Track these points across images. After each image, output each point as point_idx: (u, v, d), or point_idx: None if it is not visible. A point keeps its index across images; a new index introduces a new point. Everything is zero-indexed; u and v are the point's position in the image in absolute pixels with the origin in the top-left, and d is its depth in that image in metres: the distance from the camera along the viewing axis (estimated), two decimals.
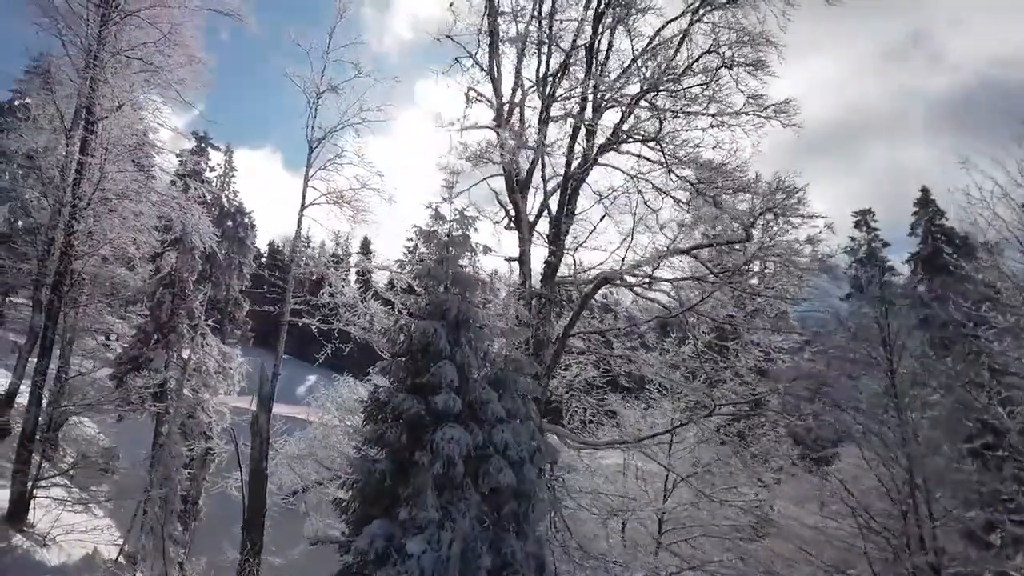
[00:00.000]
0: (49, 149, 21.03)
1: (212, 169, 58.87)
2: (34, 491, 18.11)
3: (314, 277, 24.42)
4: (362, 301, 23.70)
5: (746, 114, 14.74)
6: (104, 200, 19.88)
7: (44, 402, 19.04)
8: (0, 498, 17.96)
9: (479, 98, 18.70)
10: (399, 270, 17.73)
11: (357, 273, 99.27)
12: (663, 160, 14.04)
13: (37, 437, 18.46)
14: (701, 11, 16.15)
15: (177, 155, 29.73)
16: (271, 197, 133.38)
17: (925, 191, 63.72)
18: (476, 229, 12.82)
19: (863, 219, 68.92)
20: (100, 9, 20.42)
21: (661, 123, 14.41)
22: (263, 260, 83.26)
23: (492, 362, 12.35)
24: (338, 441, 26.70)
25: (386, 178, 24.79)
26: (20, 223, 31.85)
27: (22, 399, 20.65)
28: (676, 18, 16.62)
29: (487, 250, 13.08)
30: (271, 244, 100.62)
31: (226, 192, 70.58)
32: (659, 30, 16.81)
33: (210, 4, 22.54)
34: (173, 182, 26.76)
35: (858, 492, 13.22)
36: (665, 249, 14.06)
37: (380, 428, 11.32)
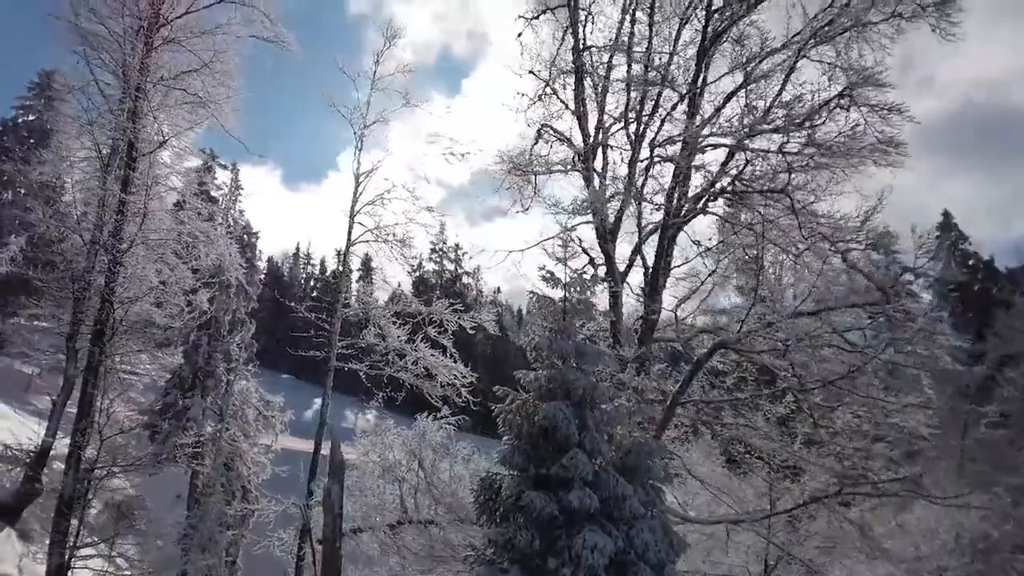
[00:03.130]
0: (87, 187, 19.46)
1: (219, 188, 57.73)
2: (72, 561, 16.60)
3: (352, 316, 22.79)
4: (408, 341, 22.38)
5: (868, 158, 13.46)
6: (145, 241, 18.45)
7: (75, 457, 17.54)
8: (36, 572, 16.46)
9: (553, 134, 17.45)
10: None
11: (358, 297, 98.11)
12: (792, 211, 12.72)
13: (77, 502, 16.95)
14: (810, 44, 14.91)
15: (197, 176, 28.33)
16: (270, 213, 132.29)
17: (947, 214, 62.75)
18: (595, 292, 11.51)
19: (884, 243, 67.76)
20: (142, 35, 19.01)
21: (791, 171, 13.11)
22: (263, 276, 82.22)
23: (618, 445, 10.99)
24: (375, 484, 25.20)
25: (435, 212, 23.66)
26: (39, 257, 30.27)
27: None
28: (778, 50, 15.41)
29: (607, 316, 11.73)
30: (270, 260, 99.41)
31: (232, 211, 69.28)
32: (757, 63, 15.58)
33: (252, 30, 21.23)
34: (199, 213, 25.37)
35: None
36: (789, 311, 12.71)
37: (507, 532, 9.89)
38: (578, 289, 11.40)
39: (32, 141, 56.02)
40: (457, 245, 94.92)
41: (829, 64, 14.60)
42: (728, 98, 15.82)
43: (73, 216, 19.41)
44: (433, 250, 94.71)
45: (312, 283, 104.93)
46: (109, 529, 20.72)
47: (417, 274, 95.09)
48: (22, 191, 53.37)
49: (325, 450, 23.30)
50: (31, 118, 58.42)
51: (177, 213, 19.89)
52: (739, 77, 15.68)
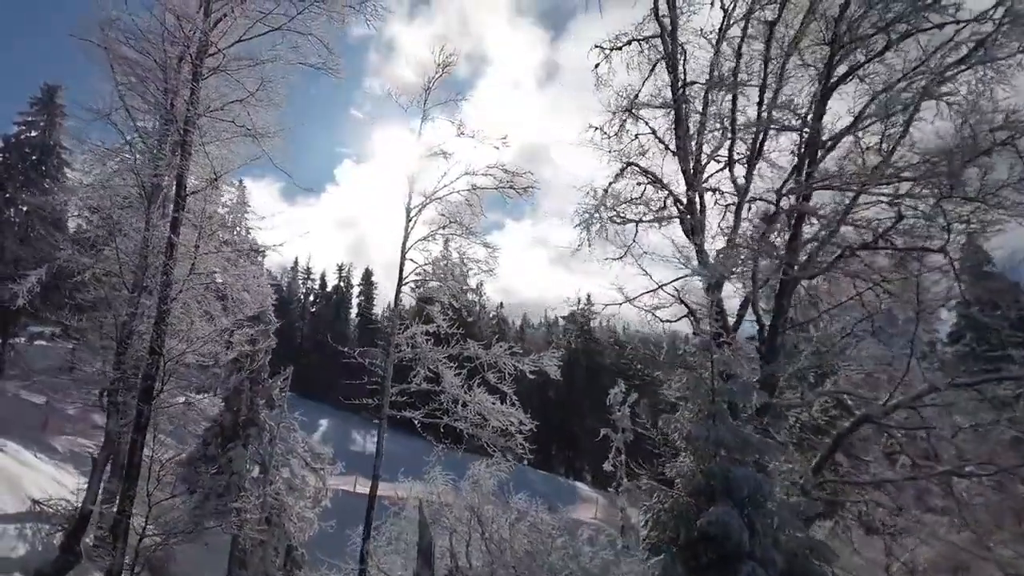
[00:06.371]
0: (133, 227, 17.91)
1: (224, 206, 55.83)
2: None
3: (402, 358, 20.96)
4: (462, 386, 20.86)
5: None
6: (194, 287, 16.96)
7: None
8: None
9: (642, 173, 16.19)
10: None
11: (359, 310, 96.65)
12: (953, 272, 11.52)
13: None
14: (934, 81, 13.70)
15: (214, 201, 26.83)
16: (269, 226, 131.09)
17: (969, 235, 62.11)
18: (748, 370, 10.19)
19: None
20: (187, 63, 17.53)
21: (949, 229, 11.86)
22: None
23: (783, 547, 9.66)
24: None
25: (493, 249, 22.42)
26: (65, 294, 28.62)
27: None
28: (897, 82, 14.21)
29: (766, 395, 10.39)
30: (268, 274, 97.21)
31: (238, 229, 67.37)
32: (872, 98, 14.37)
33: (299, 57, 19.68)
34: (243, 254, 23.88)
35: None
36: (942, 381, 11.48)
37: None
38: (728, 368, 10.11)
39: (35, 159, 54.34)
40: (462, 260, 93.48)
41: (958, 105, 13.35)
42: (837, 140, 14.62)
43: (116, 259, 17.81)
44: (436, 266, 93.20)
45: (312, 298, 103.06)
46: None
47: (420, 290, 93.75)
48: (24, 208, 51.53)
49: (402, 495, 21.50)
50: (33, 134, 56.44)
51: (224, 255, 18.39)
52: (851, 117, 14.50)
